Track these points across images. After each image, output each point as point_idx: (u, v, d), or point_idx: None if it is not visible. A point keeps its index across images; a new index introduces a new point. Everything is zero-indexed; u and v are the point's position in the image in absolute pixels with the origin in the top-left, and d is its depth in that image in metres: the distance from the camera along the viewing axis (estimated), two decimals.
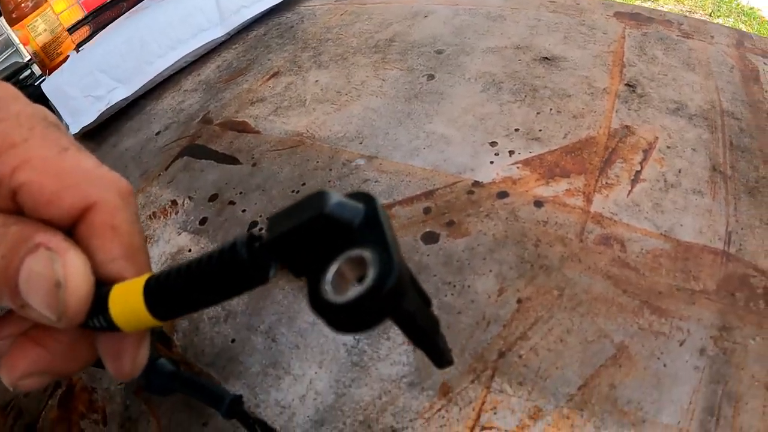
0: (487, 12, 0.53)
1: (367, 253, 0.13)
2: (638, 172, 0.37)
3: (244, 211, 0.41)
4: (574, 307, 0.31)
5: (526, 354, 0.30)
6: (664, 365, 0.30)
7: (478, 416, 0.29)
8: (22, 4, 0.66)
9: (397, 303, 0.12)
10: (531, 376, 0.29)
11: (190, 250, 0.40)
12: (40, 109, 0.18)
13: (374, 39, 0.54)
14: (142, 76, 0.57)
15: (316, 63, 0.53)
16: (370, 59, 0.51)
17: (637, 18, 0.52)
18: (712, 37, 0.51)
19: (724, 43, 0.50)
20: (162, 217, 0.44)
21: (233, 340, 0.34)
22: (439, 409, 0.29)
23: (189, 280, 0.14)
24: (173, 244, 0.41)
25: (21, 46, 0.65)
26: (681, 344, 0.30)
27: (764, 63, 0.49)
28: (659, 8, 0.48)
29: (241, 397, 0.30)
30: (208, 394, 0.30)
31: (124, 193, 0.17)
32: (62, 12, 0.70)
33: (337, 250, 0.13)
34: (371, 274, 0.12)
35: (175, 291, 0.14)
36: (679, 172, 0.38)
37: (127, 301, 0.14)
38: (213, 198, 0.43)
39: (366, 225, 0.13)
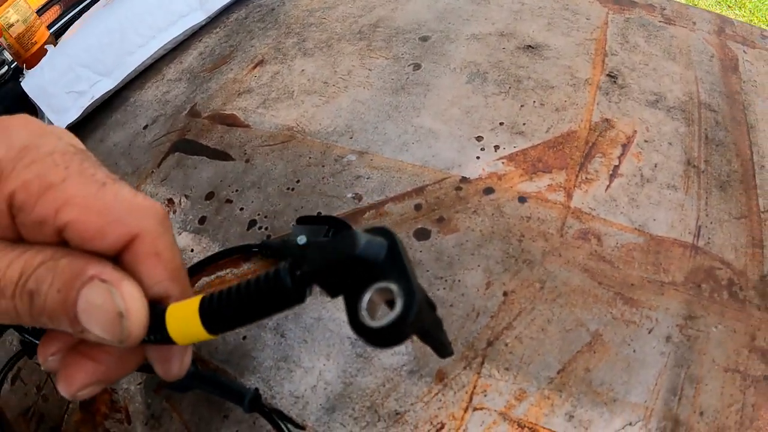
0: None
1: (393, 286, 0.16)
2: (616, 167, 0.41)
3: (241, 209, 0.44)
4: (554, 298, 0.36)
5: (511, 342, 0.35)
6: (634, 351, 0.35)
7: (471, 398, 0.34)
8: None
9: (419, 325, 0.17)
10: (516, 362, 0.34)
11: (192, 250, 0.43)
12: (69, 139, 0.20)
13: (358, 24, 0.55)
14: (124, 68, 0.57)
15: (301, 50, 0.55)
16: (356, 47, 0.53)
17: (620, 2, 0.54)
18: (694, 23, 0.54)
19: (706, 30, 0.53)
20: None
21: (244, 338, 0.38)
22: (437, 393, 0.34)
23: (239, 301, 0.17)
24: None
25: None
26: (649, 332, 0.35)
27: (744, 51, 0.53)
28: None
29: (257, 390, 0.34)
30: (229, 390, 0.34)
31: (162, 219, 0.20)
32: (42, 8, 0.69)
33: (367, 280, 0.17)
34: (399, 305, 0.16)
35: (227, 310, 0.17)
36: (655, 166, 0.42)
37: (183, 319, 0.18)
38: (209, 196, 0.46)
39: (389, 258, 0.17)
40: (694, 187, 0.42)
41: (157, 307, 0.18)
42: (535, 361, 0.34)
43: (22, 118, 0.19)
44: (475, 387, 0.34)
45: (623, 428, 0.33)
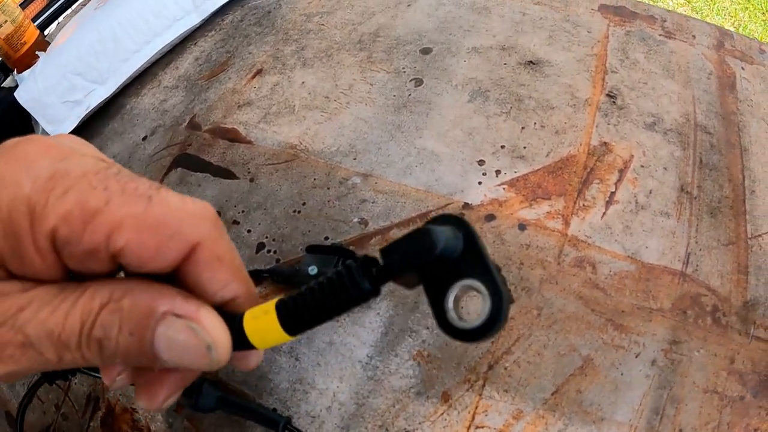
0: (472, 2, 0.56)
1: (478, 284, 0.17)
2: (612, 194, 0.45)
3: (249, 231, 0.47)
4: (550, 325, 0.40)
5: (510, 366, 0.39)
6: (621, 374, 0.39)
7: (473, 418, 0.38)
8: None
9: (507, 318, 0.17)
10: (514, 385, 0.39)
11: None
12: (93, 152, 0.19)
13: (358, 32, 0.56)
14: (119, 75, 0.58)
15: (301, 60, 0.56)
16: (356, 58, 0.54)
17: (621, 13, 0.56)
18: (694, 36, 0.56)
19: (705, 45, 0.56)
20: None
21: (261, 361, 0.42)
22: (442, 413, 0.38)
23: (315, 302, 0.18)
24: None
25: None
26: (636, 356, 0.40)
27: (742, 68, 0.55)
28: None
29: (290, 418, 0.38)
30: (260, 416, 0.38)
31: (215, 220, 0.19)
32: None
33: (448, 276, 0.17)
34: (488, 306, 0.16)
35: (305, 311, 0.18)
36: (650, 192, 0.45)
37: (261, 324, 0.18)
38: None
39: (467, 251, 0.17)
40: (686, 214, 0.45)
41: (232, 317, 0.19)
42: (532, 383, 0.39)
43: (36, 142, 0.18)
44: (477, 407, 0.38)
45: None
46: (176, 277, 0.19)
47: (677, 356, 0.40)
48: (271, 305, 0.18)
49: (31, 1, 0.74)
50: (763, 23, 1.67)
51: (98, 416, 0.45)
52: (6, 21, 0.60)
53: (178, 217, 0.18)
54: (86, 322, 0.17)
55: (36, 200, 0.17)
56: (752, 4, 1.77)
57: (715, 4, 1.85)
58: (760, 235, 0.45)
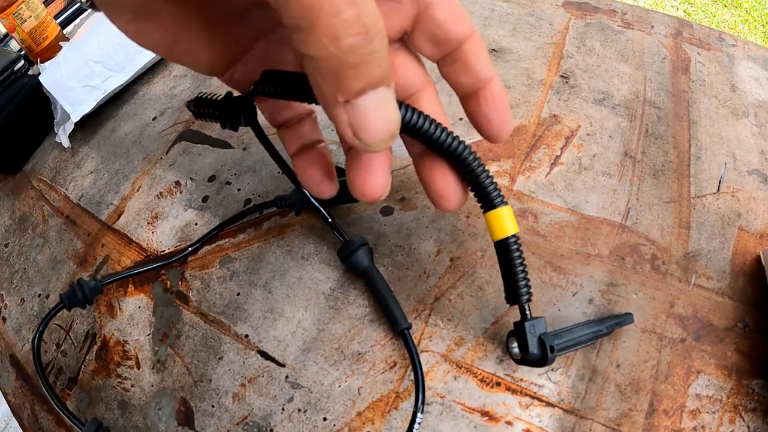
0: None
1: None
2: (558, 157, 0.53)
3: (239, 189, 0.57)
4: (492, 264, 0.48)
5: (454, 299, 0.47)
6: (558, 310, 0.46)
7: (419, 343, 0.46)
8: None
9: None
10: (457, 315, 0.46)
11: (196, 224, 0.56)
12: None
13: None
14: (134, 64, 0.71)
15: None
16: None
17: (584, 8, 0.66)
18: (652, 27, 0.65)
19: (663, 33, 0.65)
20: (168, 196, 0.60)
21: (238, 294, 0.51)
22: (391, 338, 0.46)
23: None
24: (181, 218, 0.58)
25: (11, 36, 0.77)
26: (573, 295, 0.47)
27: (698, 53, 0.64)
28: None
29: (410, 326, 0.45)
30: (389, 312, 0.46)
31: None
32: None
33: None
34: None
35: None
36: (594, 156, 0.54)
37: None
38: (211, 179, 0.59)
39: None
40: (628, 175, 0.53)
41: None
42: (473, 314, 0.46)
43: None
44: (422, 334, 0.46)
45: (546, 373, 0.45)
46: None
47: (614, 297, 0.47)
48: None
49: (53, 1, 0.89)
50: (763, 35, 1.74)
51: (94, 350, 0.53)
52: (30, 16, 0.73)
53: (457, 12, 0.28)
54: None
55: None
56: (752, 16, 1.85)
57: (714, 16, 1.93)
58: (704, 195, 0.52)
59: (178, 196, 0.60)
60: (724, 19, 1.92)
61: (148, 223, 0.60)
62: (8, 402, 0.61)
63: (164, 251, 0.57)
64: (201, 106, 0.32)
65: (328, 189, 0.31)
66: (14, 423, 0.59)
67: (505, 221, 0.35)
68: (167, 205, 0.59)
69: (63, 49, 0.73)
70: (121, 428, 0.49)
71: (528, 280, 0.37)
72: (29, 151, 0.74)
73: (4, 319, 0.65)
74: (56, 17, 0.87)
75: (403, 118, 0.27)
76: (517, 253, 0.36)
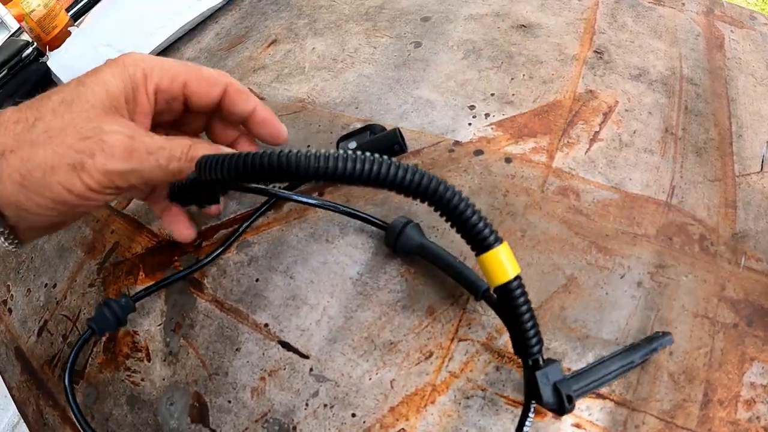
0: None
1: None
2: (596, 133, 0.47)
3: None
4: (534, 245, 0.42)
5: None
6: (606, 293, 0.40)
7: (456, 330, 0.40)
8: None
9: None
10: None
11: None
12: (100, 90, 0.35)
13: (365, 6, 0.62)
14: (144, 48, 0.64)
15: (312, 30, 0.61)
16: (362, 27, 0.59)
17: None
18: (683, 4, 0.59)
19: (694, 11, 0.59)
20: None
21: (257, 280, 0.45)
22: (426, 326, 0.40)
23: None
24: None
25: (18, 24, 0.71)
26: (621, 277, 0.41)
27: (731, 31, 0.58)
28: None
29: (488, 288, 0.38)
30: (460, 275, 0.39)
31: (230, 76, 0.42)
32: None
33: None
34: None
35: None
36: (634, 132, 0.48)
37: None
38: None
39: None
40: (671, 152, 0.47)
41: None
42: None
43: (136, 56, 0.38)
44: (460, 320, 0.40)
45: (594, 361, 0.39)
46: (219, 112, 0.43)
47: (664, 279, 0.41)
48: None
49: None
50: None
51: (101, 342, 0.47)
52: (39, 5, 0.67)
53: (215, 73, 0.40)
54: (185, 149, 0.36)
55: (147, 70, 0.36)
56: None
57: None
58: (748, 174, 0.47)
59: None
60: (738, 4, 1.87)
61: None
62: (13, 397, 0.55)
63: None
64: (179, 196, 0.39)
65: (190, 235, 0.47)
66: None
67: (503, 263, 0.29)
68: None
69: (71, 34, 0.66)
70: (130, 425, 0.43)
71: (537, 326, 0.31)
72: None
73: (10, 310, 0.58)
74: (68, 9, 0.81)
75: (386, 174, 0.26)
76: (522, 298, 0.30)
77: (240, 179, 0.27)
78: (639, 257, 0.42)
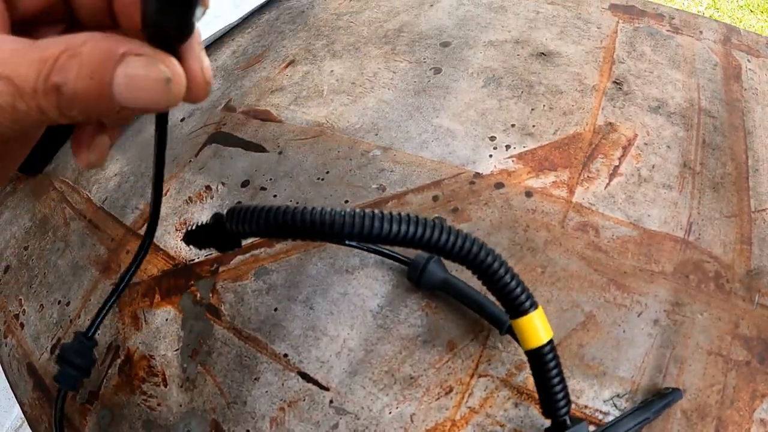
0: (490, 2, 0.62)
1: None
2: (616, 167, 0.48)
3: (275, 196, 0.52)
4: (553, 282, 0.43)
5: None
6: (624, 331, 0.41)
7: (477, 366, 0.41)
8: None
9: None
10: None
11: None
12: None
13: (384, 28, 0.63)
14: None
15: (330, 52, 0.62)
16: (381, 50, 0.60)
17: (631, 11, 0.61)
18: (701, 32, 0.60)
19: (712, 39, 0.60)
20: (198, 201, 0.55)
21: (276, 309, 0.46)
22: (447, 361, 0.41)
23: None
24: None
25: None
26: (639, 315, 0.42)
27: (748, 60, 0.59)
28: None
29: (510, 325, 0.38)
30: (483, 309, 0.40)
31: None
32: None
33: None
34: None
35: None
36: (653, 167, 0.48)
37: None
38: (245, 184, 0.54)
39: None
40: (688, 187, 0.48)
41: None
42: None
43: None
44: (480, 356, 0.41)
45: (611, 399, 0.40)
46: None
47: (680, 317, 0.42)
48: None
49: None
50: None
51: (117, 363, 0.48)
52: None
53: None
54: (43, 69, 0.17)
55: None
56: None
57: (741, 21, 1.89)
58: (763, 210, 0.47)
59: (209, 202, 0.54)
60: (751, 25, 1.88)
61: (176, 230, 0.54)
62: (24, 413, 0.55)
63: (194, 260, 0.51)
64: (196, 240, 0.32)
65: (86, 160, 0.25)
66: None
67: (537, 329, 0.30)
68: (197, 211, 0.54)
69: None
70: None
71: (566, 388, 0.32)
72: (51, 151, 0.69)
73: (22, 325, 0.59)
74: None
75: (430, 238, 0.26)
76: (553, 362, 0.31)
77: (275, 236, 0.27)
78: (656, 295, 0.43)
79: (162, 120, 0.25)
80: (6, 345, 0.60)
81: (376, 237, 0.25)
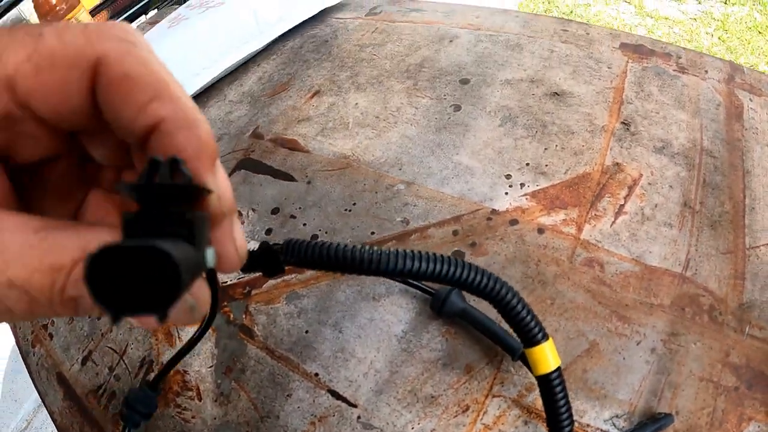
0: (507, 39, 0.70)
1: None
2: (621, 206, 0.56)
3: (304, 224, 0.60)
4: (561, 313, 0.51)
5: None
6: (623, 358, 0.49)
7: (491, 387, 0.48)
8: (57, 7, 0.80)
9: None
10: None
11: None
12: None
13: (405, 63, 0.70)
14: (189, 88, 0.73)
15: (354, 84, 0.70)
16: (404, 85, 0.68)
17: (640, 51, 0.69)
18: (706, 71, 0.68)
19: (716, 78, 0.67)
20: None
21: (307, 331, 0.54)
22: (464, 382, 0.49)
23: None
24: None
25: None
26: (638, 344, 0.49)
27: (750, 99, 0.67)
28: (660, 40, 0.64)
29: (523, 352, 0.46)
30: (497, 338, 0.48)
31: (123, 35, 0.17)
32: (93, 10, 0.84)
33: None
34: None
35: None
36: (655, 206, 0.56)
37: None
38: (275, 211, 0.62)
39: None
40: (688, 225, 0.56)
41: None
42: None
43: None
44: (494, 379, 0.49)
45: (611, 419, 0.47)
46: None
47: (675, 346, 0.50)
48: None
49: (97, 13, 0.91)
50: None
51: (150, 377, 0.54)
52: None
53: (74, 43, 0.17)
54: (57, 280, 0.16)
55: None
56: None
57: (749, 43, 1.97)
58: (757, 246, 0.55)
59: (241, 227, 0.62)
60: (759, 46, 1.96)
61: None
62: (54, 420, 0.62)
63: (226, 282, 0.59)
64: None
65: None
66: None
67: (546, 357, 0.36)
68: None
69: None
70: None
71: (570, 409, 0.38)
72: None
73: (51, 335, 0.66)
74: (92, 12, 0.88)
75: (443, 271, 0.30)
76: (559, 387, 0.38)
77: (327, 269, 0.33)
78: (654, 326, 0.51)
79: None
80: (34, 354, 0.68)
81: (415, 274, 0.30)
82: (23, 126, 0.17)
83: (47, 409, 0.64)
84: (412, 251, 0.30)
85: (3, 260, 0.16)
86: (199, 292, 0.19)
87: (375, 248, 0.29)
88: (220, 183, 0.19)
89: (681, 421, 0.47)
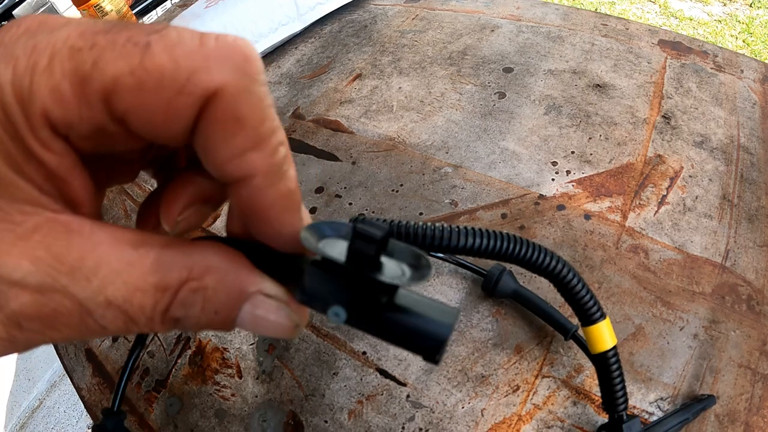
0: (548, 31, 0.72)
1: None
2: (664, 196, 0.58)
3: (350, 204, 0.61)
4: (608, 296, 0.53)
5: None
6: (668, 343, 0.51)
7: (541, 368, 0.50)
8: None
9: None
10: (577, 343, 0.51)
11: None
12: (84, 19, 0.16)
13: (448, 50, 0.72)
14: None
15: (397, 69, 0.71)
16: (447, 71, 0.69)
17: (678, 48, 0.71)
18: (742, 71, 0.70)
19: (752, 78, 0.70)
20: None
21: None
22: (514, 363, 0.50)
23: None
24: None
25: None
26: (681, 329, 0.52)
27: None
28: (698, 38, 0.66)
29: (578, 328, 0.48)
30: (551, 318, 0.49)
31: (243, 62, 0.16)
32: None
33: None
34: None
35: None
36: (696, 198, 0.59)
37: None
38: (319, 190, 0.63)
39: None
40: (727, 218, 0.58)
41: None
42: None
43: (14, 26, 0.15)
44: (544, 359, 0.50)
45: (656, 401, 0.49)
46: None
47: (716, 333, 0.52)
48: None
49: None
50: None
51: (187, 355, 0.55)
52: (112, 10, 0.75)
53: (189, 66, 0.15)
54: (161, 300, 0.16)
55: (20, 84, 0.14)
56: None
57: None
58: None
59: None
60: None
61: None
62: (82, 398, 0.62)
63: None
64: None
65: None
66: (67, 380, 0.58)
67: (604, 336, 0.38)
68: None
69: None
70: None
71: (625, 387, 0.40)
72: None
73: None
74: (132, 7, 0.88)
75: (511, 250, 0.30)
76: (615, 365, 0.39)
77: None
78: (696, 312, 0.53)
79: None
80: None
81: (486, 252, 0.30)
82: (113, 139, 0.16)
83: (74, 386, 0.64)
84: (481, 228, 0.30)
85: (99, 278, 0.15)
86: (302, 311, 0.19)
87: (442, 225, 0.29)
88: (305, 221, 0.19)
89: (721, 405, 0.49)
